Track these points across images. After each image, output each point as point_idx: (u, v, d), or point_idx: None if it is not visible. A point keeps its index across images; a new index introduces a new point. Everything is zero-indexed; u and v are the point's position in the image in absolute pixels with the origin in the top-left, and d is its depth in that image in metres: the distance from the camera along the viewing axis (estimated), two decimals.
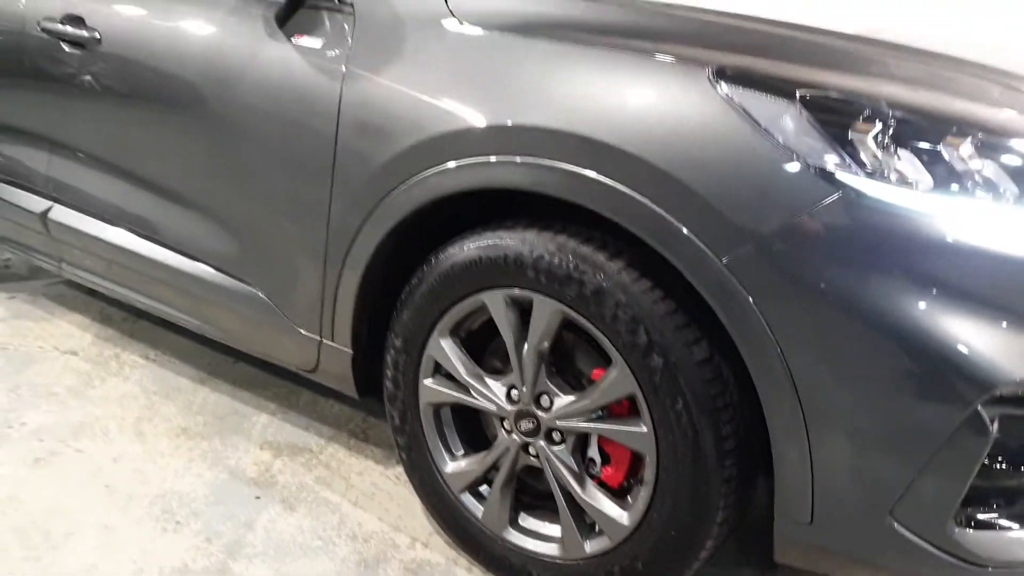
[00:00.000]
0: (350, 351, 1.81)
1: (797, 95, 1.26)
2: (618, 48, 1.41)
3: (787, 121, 1.25)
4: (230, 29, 1.81)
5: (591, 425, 1.50)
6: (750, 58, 1.36)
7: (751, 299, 1.23)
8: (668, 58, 1.36)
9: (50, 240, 2.43)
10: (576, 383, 1.56)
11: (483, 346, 1.67)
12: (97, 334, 2.76)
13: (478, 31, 1.53)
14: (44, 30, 2.16)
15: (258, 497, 1.94)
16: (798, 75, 1.31)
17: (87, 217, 2.30)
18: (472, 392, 1.64)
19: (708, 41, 1.43)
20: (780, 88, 1.27)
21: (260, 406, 2.35)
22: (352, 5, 1.67)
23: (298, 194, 1.76)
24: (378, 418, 2.31)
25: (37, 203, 2.42)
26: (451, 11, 1.57)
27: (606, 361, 1.47)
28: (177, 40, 1.92)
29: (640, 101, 1.36)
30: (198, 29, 1.89)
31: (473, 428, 1.75)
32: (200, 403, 2.35)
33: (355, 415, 2.33)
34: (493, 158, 1.46)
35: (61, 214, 2.36)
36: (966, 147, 1.20)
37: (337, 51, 1.65)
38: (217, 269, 2.02)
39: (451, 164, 1.50)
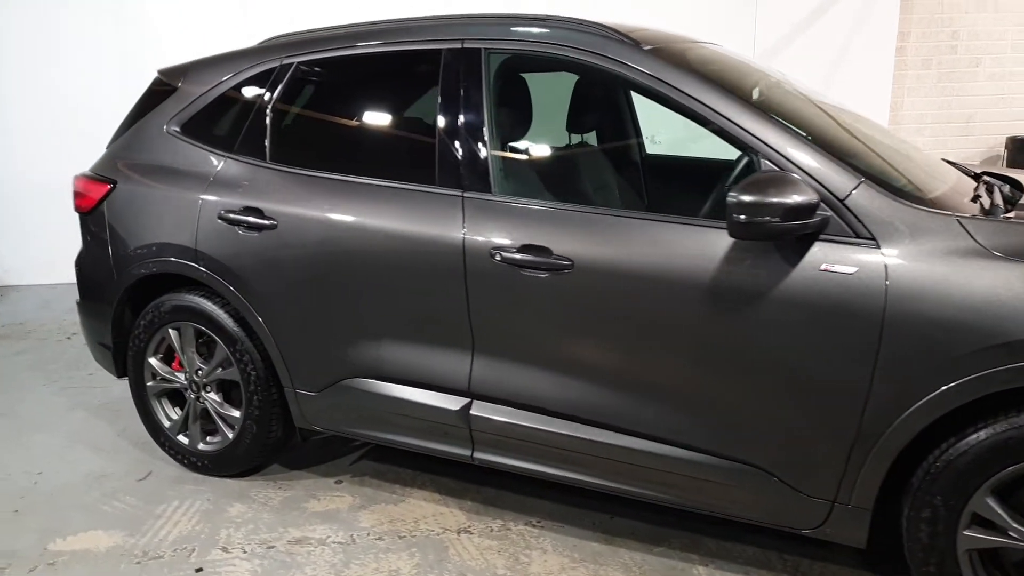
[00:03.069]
0: (870, 511, 2.20)
1: None
2: None
3: None
4: (738, 260, 2.19)
5: None
6: None
7: None
8: None
9: (467, 432, 2.69)
10: None
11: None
12: (460, 507, 3.00)
13: (1016, 261, 1.99)
14: (504, 260, 2.47)
15: None
16: None
17: (519, 410, 2.59)
18: (1013, 534, 2.07)
19: None
20: None
21: (683, 557, 2.67)
22: (875, 239, 2.10)
23: (830, 393, 2.15)
24: (782, 552, 2.67)
25: (454, 402, 2.69)
26: (981, 244, 2.03)
27: None
28: (663, 269, 2.27)
29: None
30: (693, 261, 2.24)
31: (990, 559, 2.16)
32: (632, 563, 2.64)
33: (766, 553, 2.67)
34: None
35: (485, 409, 2.64)
36: None
37: (874, 277, 2.07)
38: (693, 449, 2.36)
39: (1011, 366, 1.95)
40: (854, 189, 2.14)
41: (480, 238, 2.52)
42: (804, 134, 2.26)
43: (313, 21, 5.68)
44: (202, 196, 2.97)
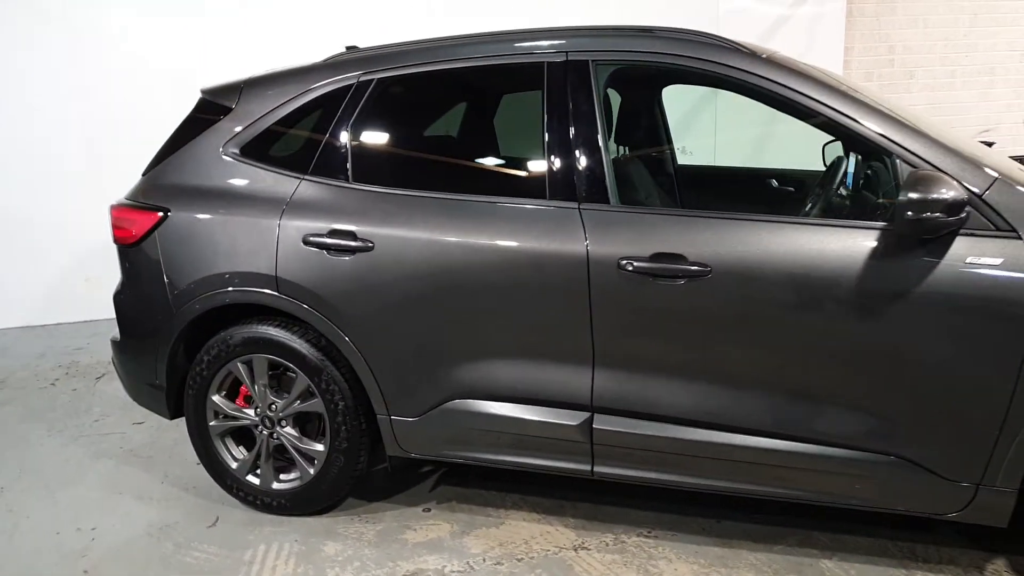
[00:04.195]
0: (1016, 491, 2.30)
1: None
2: None
3: None
4: (884, 258, 2.26)
5: None
6: None
7: None
8: None
9: (586, 447, 2.65)
10: None
11: None
12: (564, 524, 2.95)
13: None
14: (636, 270, 2.46)
15: None
16: None
17: (648, 421, 2.57)
18: None
19: None
20: None
21: (806, 553, 2.71)
22: (1015, 231, 2.21)
23: (978, 382, 2.23)
24: (894, 539, 2.75)
25: (573, 416, 2.65)
26: None
27: None
28: (808, 271, 2.32)
29: None
30: (838, 262, 2.29)
31: None
32: (760, 563, 2.67)
33: (880, 542, 2.75)
34: None
35: (610, 422, 2.61)
36: None
37: (1020, 267, 2.16)
38: (839, 445, 2.41)
39: None
40: (991, 185, 2.25)
41: (605, 249, 2.50)
42: (932, 135, 2.35)
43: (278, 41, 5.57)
44: (280, 220, 2.83)
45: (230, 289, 2.89)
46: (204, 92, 3.19)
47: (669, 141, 3.81)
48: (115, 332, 3.29)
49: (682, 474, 2.62)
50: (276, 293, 2.83)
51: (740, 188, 3.88)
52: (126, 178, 5.53)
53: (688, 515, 2.95)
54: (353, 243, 2.74)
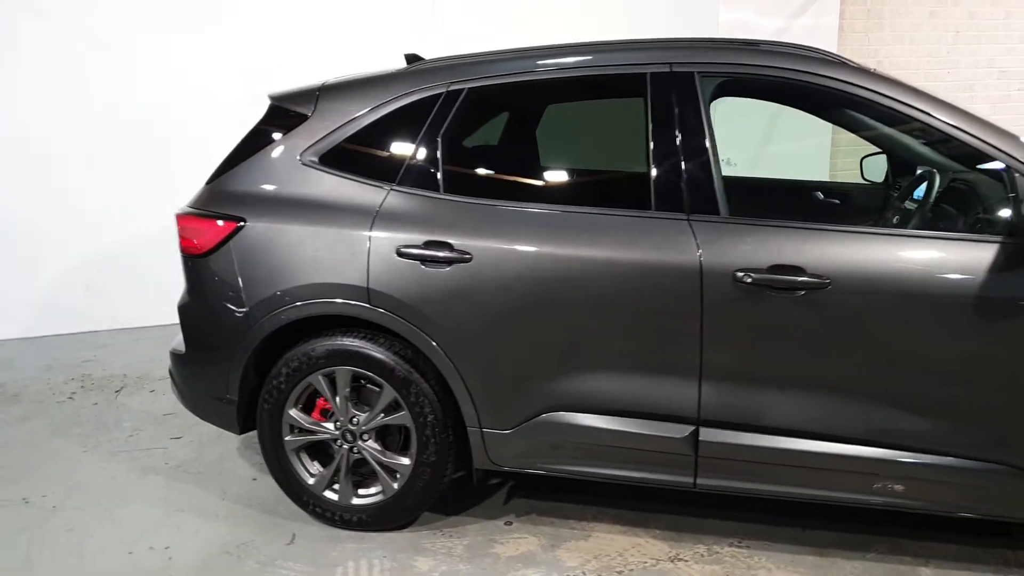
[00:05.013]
0: None
1: None
2: None
3: None
4: (1006, 271, 2.32)
5: None
6: None
7: None
8: None
9: (691, 459, 2.65)
10: None
11: None
12: (652, 536, 2.95)
13: None
14: (754, 281, 2.47)
15: None
16: None
17: (757, 434, 2.59)
18: None
19: None
20: None
21: (899, 560, 2.75)
22: None
23: None
24: (983, 546, 2.81)
25: (678, 429, 2.65)
26: None
27: None
28: (929, 283, 2.37)
29: None
30: (960, 275, 2.34)
31: None
32: (857, 571, 2.70)
33: (969, 549, 2.80)
34: None
35: (716, 434, 2.62)
36: None
37: None
38: (953, 455, 2.46)
39: None
40: None
41: (719, 260, 2.51)
42: None
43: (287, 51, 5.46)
44: (370, 231, 2.77)
45: (322, 301, 2.81)
46: (274, 99, 3.11)
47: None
48: (177, 344, 3.18)
49: (786, 485, 2.64)
50: (368, 305, 2.77)
51: (785, 200, 3.93)
52: (125, 184, 5.43)
53: (773, 524, 2.97)
54: (450, 254, 2.69)
